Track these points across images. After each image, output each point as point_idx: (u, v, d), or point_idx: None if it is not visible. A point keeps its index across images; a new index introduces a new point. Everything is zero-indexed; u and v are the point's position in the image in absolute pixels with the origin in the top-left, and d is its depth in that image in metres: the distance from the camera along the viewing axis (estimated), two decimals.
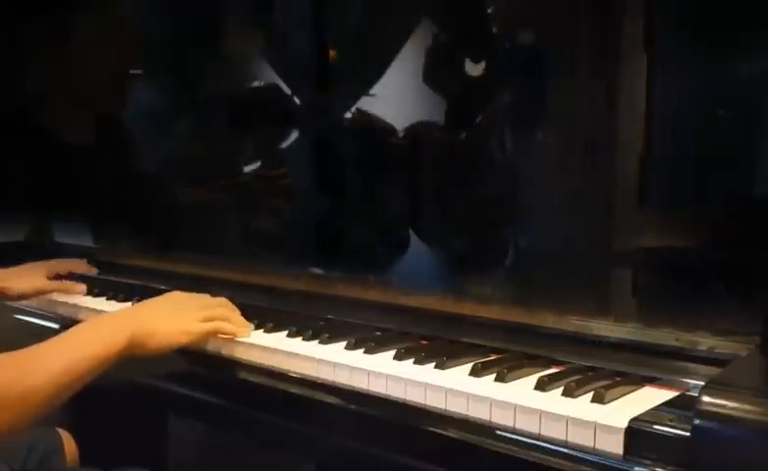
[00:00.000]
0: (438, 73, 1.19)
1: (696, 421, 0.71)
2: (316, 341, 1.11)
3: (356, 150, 1.31)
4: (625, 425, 0.77)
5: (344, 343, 1.08)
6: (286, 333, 1.15)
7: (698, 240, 0.97)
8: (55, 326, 1.40)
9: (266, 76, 1.43)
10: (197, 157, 1.57)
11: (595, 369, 0.97)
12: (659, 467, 0.75)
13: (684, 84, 0.98)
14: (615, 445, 0.77)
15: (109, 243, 1.76)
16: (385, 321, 1.20)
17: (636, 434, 0.77)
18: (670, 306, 0.97)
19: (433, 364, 0.99)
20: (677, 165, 0.99)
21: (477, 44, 1.15)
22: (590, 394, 0.86)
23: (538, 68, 1.10)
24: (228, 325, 1.14)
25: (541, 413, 0.83)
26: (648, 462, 0.76)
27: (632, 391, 0.90)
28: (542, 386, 0.89)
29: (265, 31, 1.46)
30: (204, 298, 1.18)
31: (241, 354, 1.13)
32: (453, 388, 0.91)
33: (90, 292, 1.48)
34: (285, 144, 1.41)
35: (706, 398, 0.71)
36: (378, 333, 1.17)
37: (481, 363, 0.97)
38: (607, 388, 0.86)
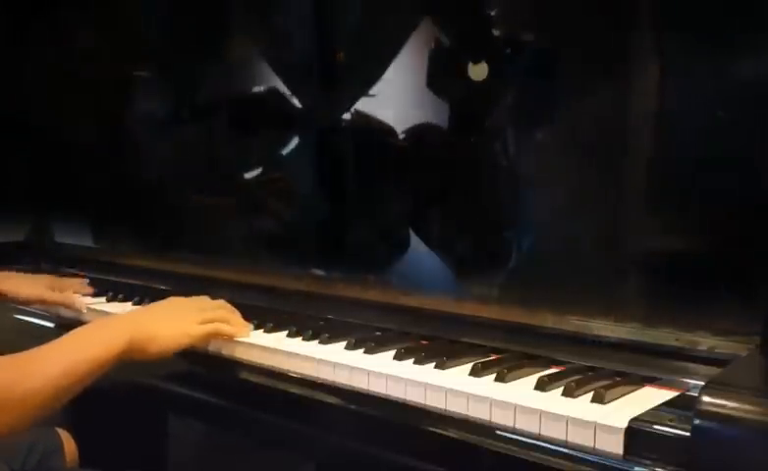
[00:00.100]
0: (440, 75, 1.19)
1: (696, 421, 0.71)
2: (316, 341, 1.11)
3: (356, 150, 1.31)
4: (625, 425, 0.77)
5: (344, 343, 1.08)
6: (286, 333, 1.15)
7: (699, 240, 0.97)
8: (55, 326, 1.40)
9: (266, 76, 1.43)
10: (198, 157, 1.57)
11: (595, 369, 0.97)
12: (659, 467, 0.75)
13: (683, 85, 0.98)
14: (615, 445, 0.77)
15: (109, 243, 1.76)
16: (385, 321, 1.20)
17: (636, 434, 0.77)
18: (670, 306, 0.97)
19: (433, 364, 0.99)
20: (677, 165, 0.99)
21: (480, 46, 1.15)
22: (590, 394, 0.86)
23: (538, 68, 1.10)
24: (227, 326, 1.14)
25: (541, 413, 0.83)
26: (648, 462, 0.76)
27: (632, 391, 0.90)
28: (542, 386, 0.89)
29: (266, 32, 1.46)
30: (203, 301, 1.18)
31: (241, 354, 1.13)
32: (453, 388, 0.91)
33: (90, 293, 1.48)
34: (285, 144, 1.41)
35: (706, 398, 0.71)
36: (378, 333, 1.17)
37: (481, 363, 0.97)
38: (607, 388, 0.86)
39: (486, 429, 0.87)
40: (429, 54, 1.20)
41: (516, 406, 0.85)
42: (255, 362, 1.11)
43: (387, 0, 1.31)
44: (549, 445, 0.82)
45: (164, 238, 1.63)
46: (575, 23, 1.07)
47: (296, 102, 1.39)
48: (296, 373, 1.06)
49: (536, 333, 1.06)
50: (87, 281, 1.52)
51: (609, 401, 0.85)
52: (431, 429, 0.91)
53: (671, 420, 0.77)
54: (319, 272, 1.34)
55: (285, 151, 1.42)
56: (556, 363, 1.00)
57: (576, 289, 1.05)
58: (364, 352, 1.05)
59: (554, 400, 0.86)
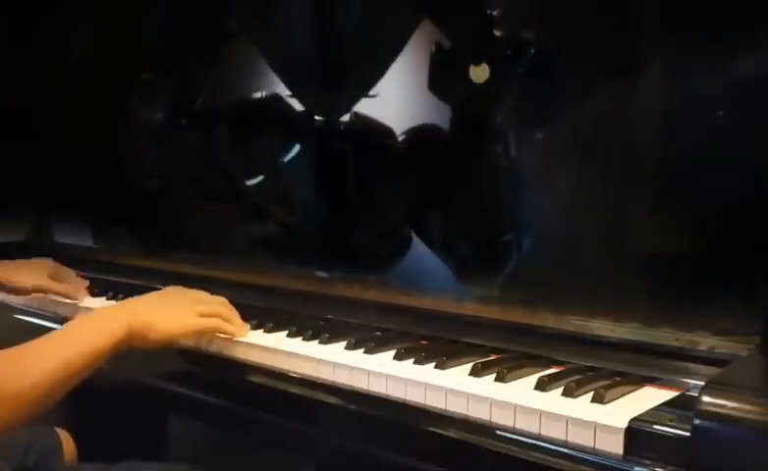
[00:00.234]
0: (441, 76, 1.19)
1: (696, 421, 0.71)
2: (316, 341, 1.11)
3: (357, 151, 1.31)
4: (625, 425, 0.77)
5: (344, 343, 1.08)
6: (286, 333, 1.15)
7: (698, 241, 0.97)
8: (55, 326, 1.40)
9: (266, 76, 1.43)
10: (198, 157, 1.57)
11: (595, 369, 0.97)
12: (659, 467, 0.75)
13: (683, 85, 0.98)
14: (615, 445, 0.77)
15: (109, 243, 1.76)
16: (385, 321, 1.20)
17: (636, 434, 0.77)
18: (670, 306, 0.97)
19: (433, 364, 0.99)
20: (677, 166, 0.99)
21: (482, 47, 1.15)
22: (590, 394, 0.86)
23: (539, 70, 1.10)
24: (227, 324, 1.14)
25: (541, 413, 0.83)
26: (648, 462, 0.76)
27: (632, 391, 0.90)
28: (542, 386, 0.89)
29: (267, 34, 1.46)
30: (202, 294, 1.17)
31: (241, 354, 1.13)
32: (453, 388, 0.91)
33: (90, 292, 1.48)
34: (285, 145, 1.41)
35: (706, 398, 0.71)
36: (378, 333, 1.17)
37: (481, 363, 0.97)
38: (607, 388, 0.86)
39: (486, 429, 0.87)
40: (430, 56, 1.20)
41: (516, 406, 0.85)
42: (255, 362, 1.11)
43: (388, 1, 1.31)
44: (549, 446, 0.82)
45: (164, 239, 1.63)
46: (575, 24, 1.07)
47: (296, 102, 1.39)
48: (296, 373, 1.06)
49: (536, 333, 1.06)
50: (87, 281, 1.51)
51: (609, 401, 0.85)
52: (431, 429, 0.91)
53: (671, 420, 0.77)
54: (319, 272, 1.34)
55: (285, 151, 1.42)
56: (556, 363, 1.00)
57: (576, 290, 1.05)
58: (364, 352, 1.05)
59: (554, 400, 0.86)
